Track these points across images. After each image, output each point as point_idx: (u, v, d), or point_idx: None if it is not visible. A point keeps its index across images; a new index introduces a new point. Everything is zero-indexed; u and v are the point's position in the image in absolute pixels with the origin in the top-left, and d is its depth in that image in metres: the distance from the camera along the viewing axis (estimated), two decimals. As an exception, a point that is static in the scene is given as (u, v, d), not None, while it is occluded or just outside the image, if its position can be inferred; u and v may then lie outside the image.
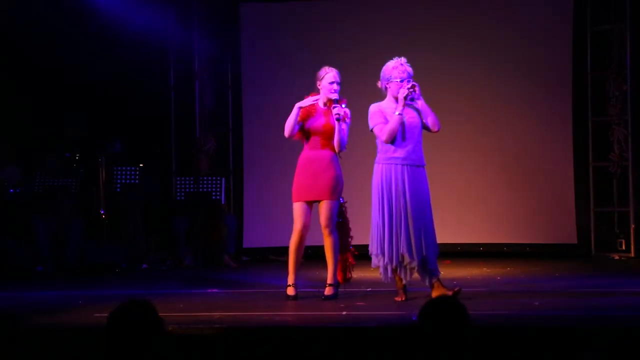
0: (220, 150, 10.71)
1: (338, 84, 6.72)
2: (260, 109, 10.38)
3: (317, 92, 6.78)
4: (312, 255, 10.11)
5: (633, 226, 9.74)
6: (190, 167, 10.34)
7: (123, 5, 9.85)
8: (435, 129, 6.54)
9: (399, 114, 6.43)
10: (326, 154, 6.72)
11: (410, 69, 6.51)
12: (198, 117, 10.68)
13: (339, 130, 6.64)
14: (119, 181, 9.54)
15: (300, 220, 6.71)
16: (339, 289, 6.77)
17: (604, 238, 9.96)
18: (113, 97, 10.11)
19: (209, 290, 7.39)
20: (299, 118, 6.71)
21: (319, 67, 6.83)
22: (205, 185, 9.72)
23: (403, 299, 6.51)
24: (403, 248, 6.41)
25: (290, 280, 6.73)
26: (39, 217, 9.16)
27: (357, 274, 8.47)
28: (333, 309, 6.16)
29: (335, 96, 6.70)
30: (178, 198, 9.80)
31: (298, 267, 6.77)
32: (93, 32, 9.91)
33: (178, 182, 9.86)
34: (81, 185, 9.44)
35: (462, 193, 10.10)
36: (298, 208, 6.72)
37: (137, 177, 9.57)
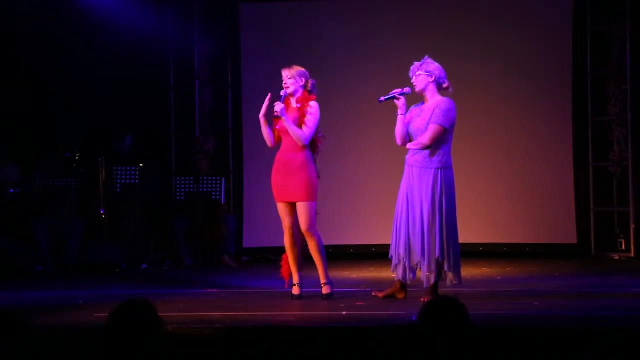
0: (220, 150, 10.71)
1: (288, 78, 6.73)
2: (260, 109, 10.37)
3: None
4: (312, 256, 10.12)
5: (633, 226, 9.74)
6: (190, 167, 10.34)
7: (123, 5, 9.85)
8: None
9: (400, 115, 6.50)
10: (298, 154, 6.70)
11: (411, 67, 6.55)
12: (198, 117, 10.68)
13: (288, 127, 6.66)
14: (119, 181, 9.53)
15: (286, 219, 6.74)
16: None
17: (604, 238, 9.96)
18: (113, 97, 10.11)
19: (209, 290, 7.39)
20: (274, 123, 6.76)
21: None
22: (205, 185, 9.72)
23: (380, 296, 6.53)
24: (400, 248, 6.44)
25: (295, 279, 6.74)
26: (39, 217, 9.16)
27: (357, 274, 8.48)
28: (333, 309, 6.16)
29: (282, 93, 6.74)
30: (178, 198, 9.79)
31: (300, 265, 6.77)
32: (93, 32, 9.91)
33: (178, 182, 9.85)
34: (81, 185, 9.44)
35: (461, 193, 10.02)
36: (281, 208, 6.77)
37: (137, 177, 9.56)
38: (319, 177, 6.76)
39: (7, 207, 9.23)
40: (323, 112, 10.37)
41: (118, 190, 9.56)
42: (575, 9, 10.00)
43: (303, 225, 6.63)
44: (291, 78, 6.72)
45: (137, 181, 9.56)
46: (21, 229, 9.16)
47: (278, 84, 8.79)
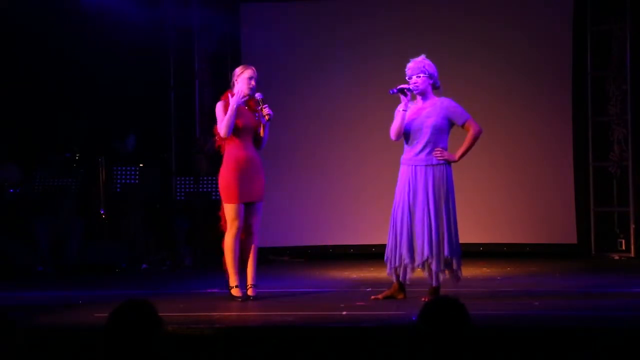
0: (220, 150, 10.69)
1: (256, 80, 6.67)
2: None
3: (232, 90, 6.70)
4: (312, 255, 10.13)
5: (633, 226, 9.74)
6: (190, 167, 10.34)
7: (123, 5, 9.85)
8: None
9: (402, 110, 6.49)
10: (257, 154, 6.75)
11: (411, 65, 6.54)
12: (198, 117, 10.68)
13: (267, 130, 6.69)
14: (119, 181, 9.53)
15: (238, 221, 6.63)
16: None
17: (604, 238, 9.96)
18: (113, 97, 10.10)
19: (209, 290, 7.39)
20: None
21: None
22: (205, 185, 9.72)
23: (380, 297, 6.54)
24: (402, 248, 6.43)
25: (235, 281, 6.73)
26: (39, 217, 9.16)
27: (357, 274, 8.47)
28: (333, 309, 6.16)
29: (259, 95, 6.66)
30: (178, 198, 9.79)
31: (239, 268, 6.76)
32: (93, 32, 9.91)
33: (178, 182, 9.85)
34: (81, 185, 9.44)
35: (462, 193, 10.02)
36: (238, 210, 6.63)
37: (137, 177, 9.56)
38: None
39: (7, 207, 9.23)
40: (323, 112, 10.42)
41: (118, 190, 9.56)
42: (575, 9, 10.00)
43: (257, 224, 6.68)
44: (256, 80, 6.68)
45: (137, 181, 9.56)
46: (21, 229, 9.16)
47: (278, 83, 8.88)
